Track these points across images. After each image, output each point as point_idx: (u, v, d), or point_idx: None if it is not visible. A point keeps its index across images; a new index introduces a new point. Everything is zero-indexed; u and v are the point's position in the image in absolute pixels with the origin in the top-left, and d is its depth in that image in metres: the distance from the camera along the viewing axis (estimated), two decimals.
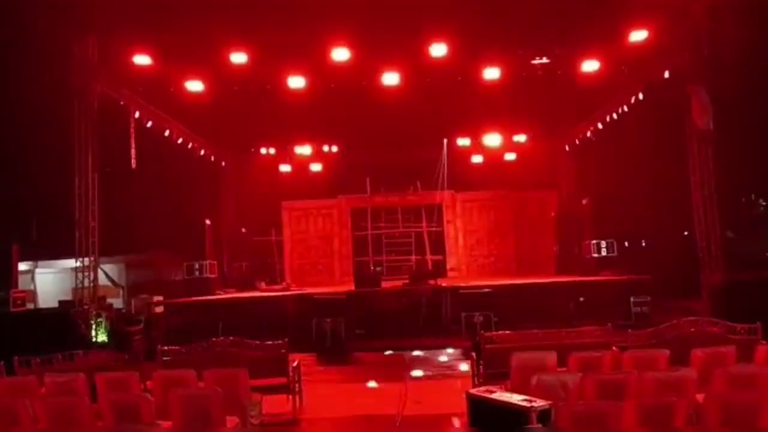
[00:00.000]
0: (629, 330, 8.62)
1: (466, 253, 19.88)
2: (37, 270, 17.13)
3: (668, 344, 7.03)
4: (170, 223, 16.63)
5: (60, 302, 13.35)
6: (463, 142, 19.23)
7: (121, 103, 13.82)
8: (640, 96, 14.38)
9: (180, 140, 16.56)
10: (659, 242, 14.96)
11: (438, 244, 19.95)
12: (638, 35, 12.24)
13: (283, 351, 8.36)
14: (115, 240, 14.81)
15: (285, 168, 19.73)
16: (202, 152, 18.22)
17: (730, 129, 12.87)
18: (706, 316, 8.81)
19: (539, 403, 5.21)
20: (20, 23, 10.99)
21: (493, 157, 19.52)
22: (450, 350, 12.14)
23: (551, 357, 6.85)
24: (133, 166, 14.24)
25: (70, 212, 12.85)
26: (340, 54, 12.41)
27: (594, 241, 16.89)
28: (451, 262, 19.74)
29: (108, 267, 14.73)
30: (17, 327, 11.27)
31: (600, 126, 16.98)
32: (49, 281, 16.77)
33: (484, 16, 11.35)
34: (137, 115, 14.21)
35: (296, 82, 13.56)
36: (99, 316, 12.74)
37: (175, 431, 5.78)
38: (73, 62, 12.55)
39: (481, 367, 8.15)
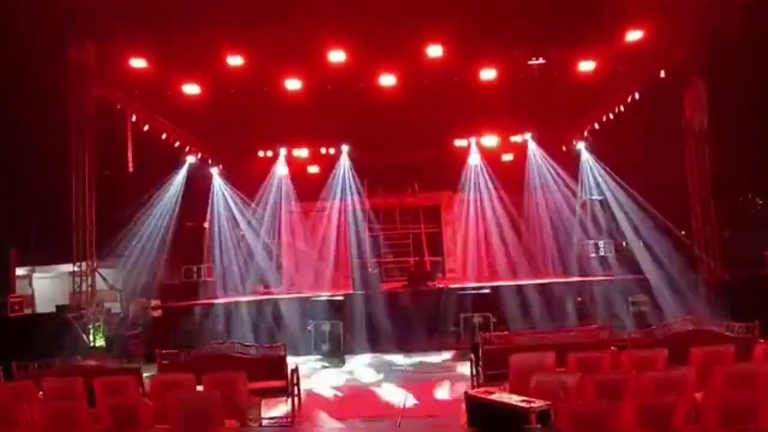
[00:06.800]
0: (628, 330, 8.65)
1: (464, 254, 19.85)
2: (35, 274, 17.03)
3: (666, 343, 7.04)
4: (168, 226, 16.59)
5: (57, 307, 13.29)
6: (461, 143, 19.26)
7: (118, 106, 13.80)
8: (637, 95, 14.39)
9: (177, 143, 16.54)
10: (657, 242, 14.99)
11: (436, 245, 19.94)
12: (634, 35, 12.26)
13: (281, 354, 8.36)
14: (113, 244, 14.76)
15: (283, 170, 19.70)
16: (200, 155, 18.20)
17: (728, 128, 12.89)
18: (704, 315, 8.81)
19: (538, 403, 5.21)
20: (17, 27, 10.97)
21: (491, 157, 19.52)
22: (449, 351, 12.13)
23: (550, 357, 6.85)
24: (131, 169, 14.21)
25: (67, 216, 12.83)
26: (337, 56, 12.41)
27: (592, 241, 16.89)
28: (449, 263, 19.71)
29: (105, 271, 14.64)
30: (15, 332, 11.26)
31: (597, 126, 16.99)
32: (46, 286, 16.67)
33: (479, 18, 11.35)
34: (134, 118, 14.19)
35: (293, 84, 13.57)
36: (97, 320, 12.72)
37: None
38: (69, 66, 12.55)
39: (480, 368, 8.14)
